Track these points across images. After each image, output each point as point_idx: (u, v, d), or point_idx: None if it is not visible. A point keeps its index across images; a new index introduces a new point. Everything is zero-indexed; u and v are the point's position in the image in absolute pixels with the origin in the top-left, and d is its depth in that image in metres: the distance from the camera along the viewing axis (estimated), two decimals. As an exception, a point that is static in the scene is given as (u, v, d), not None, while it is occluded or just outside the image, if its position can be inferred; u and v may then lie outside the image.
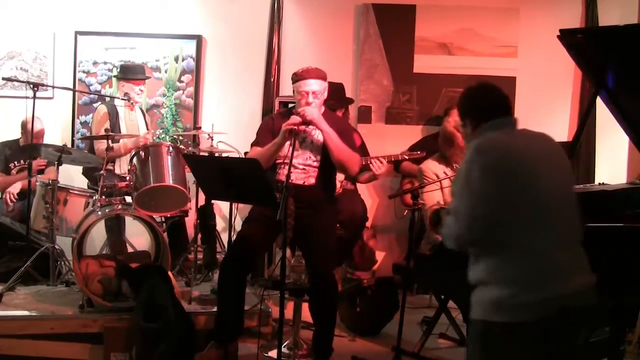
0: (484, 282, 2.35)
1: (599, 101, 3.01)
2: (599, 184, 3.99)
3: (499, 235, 2.31)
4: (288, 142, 3.66)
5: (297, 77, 3.74)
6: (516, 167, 2.31)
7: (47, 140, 5.24)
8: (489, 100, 2.49)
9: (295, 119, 3.60)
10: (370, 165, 4.36)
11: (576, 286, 2.28)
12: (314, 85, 3.70)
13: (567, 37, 2.78)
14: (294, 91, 3.80)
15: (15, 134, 5.39)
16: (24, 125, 5.24)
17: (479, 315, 2.35)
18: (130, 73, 5.24)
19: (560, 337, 2.29)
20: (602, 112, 3.49)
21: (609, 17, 5.94)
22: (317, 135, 3.77)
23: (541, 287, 2.25)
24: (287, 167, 3.47)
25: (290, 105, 4.14)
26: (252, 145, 3.92)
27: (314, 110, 3.65)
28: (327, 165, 3.78)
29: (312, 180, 3.79)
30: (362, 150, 4.94)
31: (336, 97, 4.98)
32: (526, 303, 2.23)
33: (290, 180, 3.41)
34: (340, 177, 4.60)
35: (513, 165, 2.31)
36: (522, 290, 2.24)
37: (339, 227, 4.55)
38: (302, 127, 3.63)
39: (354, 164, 3.79)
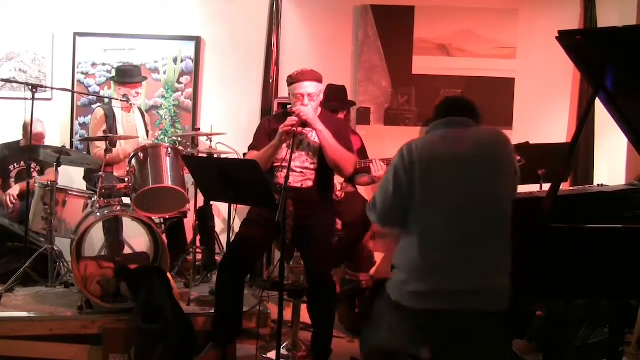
0: (394, 265, 2.62)
1: (598, 102, 3.01)
2: (598, 185, 3.99)
3: (406, 226, 2.56)
4: (285, 145, 3.66)
5: (292, 80, 3.75)
6: (424, 166, 2.52)
7: (46, 142, 5.24)
8: (439, 106, 2.79)
9: (291, 120, 3.60)
10: (371, 166, 4.37)
11: (471, 286, 2.42)
12: (310, 88, 3.71)
13: (566, 38, 2.77)
14: (289, 94, 3.81)
15: (14, 135, 5.39)
16: (25, 127, 5.24)
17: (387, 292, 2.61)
18: (126, 77, 5.24)
19: (450, 333, 2.48)
20: (601, 113, 3.49)
21: (607, 18, 5.95)
22: (314, 138, 3.77)
23: (429, 279, 2.46)
24: (285, 170, 3.47)
25: (288, 107, 4.14)
26: (250, 148, 3.93)
27: (309, 109, 3.64)
28: (325, 167, 3.78)
29: (310, 183, 3.79)
30: (362, 153, 4.94)
31: (338, 99, 4.98)
32: (414, 291, 2.47)
33: (288, 183, 3.40)
34: (339, 179, 4.60)
35: (422, 165, 2.52)
36: (412, 278, 2.48)
37: (341, 229, 4.56)
38: (299, 129, 3.63)
39: (349, 164, 3.79)
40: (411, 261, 2.52)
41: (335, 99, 4.83)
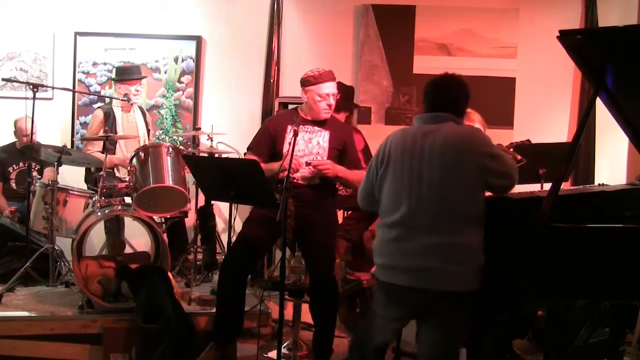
0: None
1: (599, 102, 3.01)
2: (599, 184, 3.99)
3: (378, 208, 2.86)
4: (288, 142, 3.67)
5: (315, 80, 3.74)
6: (391, 155, 2.77)
7: (46, 141, 5.23)
8: (426, 97, 2.97)
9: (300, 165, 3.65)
10: None
11: (417, 265, 2.63)
12: (332, 88, 3.78)
13: (566, 38, 2.77)
14: (305, 94, 3.78)
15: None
16: (16, 125, 5.25)
17: None
18: (124, 74, 5.23)
19: (408, 307, 2.74)
20: (602, 113, 3.49)
21: (608, 17, 5.95)
22: (324, 137, 3.79)
23: (386, 255, 2.74)
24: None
25: (290, 107, 4.14)
26: (248, 148, 3.93)
27: (329, 165, 3.67)
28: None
29: (317, 180, 3.79)
30: (366, 154, 4.91)
31: (344, 98, 4.95)
32: (378, 264, 2.79)
33: (295, 180, 3.40)
34: None
35: (389, 154, 2.78)
36: (376, 253, 2.81)
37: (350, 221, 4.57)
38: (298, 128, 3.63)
39: (360, 183, 3.80)
40: (377, 238, 2.86)
41: (341, 97, 4.81)
